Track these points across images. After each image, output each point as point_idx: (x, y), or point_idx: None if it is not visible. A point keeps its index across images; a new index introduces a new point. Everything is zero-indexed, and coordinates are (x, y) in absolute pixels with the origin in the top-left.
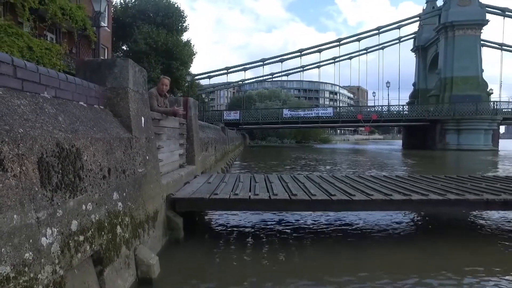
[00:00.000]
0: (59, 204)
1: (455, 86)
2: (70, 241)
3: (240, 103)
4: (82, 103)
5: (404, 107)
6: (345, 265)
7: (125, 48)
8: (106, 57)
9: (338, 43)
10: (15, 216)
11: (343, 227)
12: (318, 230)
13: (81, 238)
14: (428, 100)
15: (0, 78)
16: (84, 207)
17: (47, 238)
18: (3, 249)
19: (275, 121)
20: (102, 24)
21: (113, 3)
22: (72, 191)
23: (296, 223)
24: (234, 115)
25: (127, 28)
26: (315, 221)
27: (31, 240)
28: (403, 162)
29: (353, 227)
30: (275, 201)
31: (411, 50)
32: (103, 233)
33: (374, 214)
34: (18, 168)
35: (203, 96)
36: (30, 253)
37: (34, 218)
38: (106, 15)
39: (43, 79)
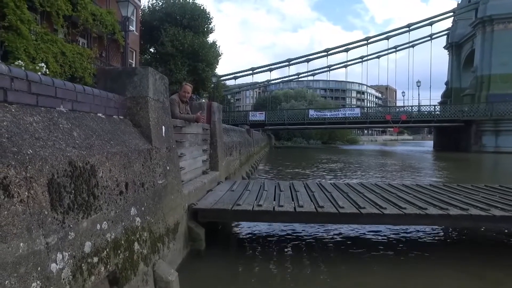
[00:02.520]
0: (71, 226)
1: (493, 85)
2: (82, 264)
3: (265, 103)
4: (100, 114)
5: (436, 107)
6: (380, 284)
7: (152, 51)
8: (134, 60)
9: (366, 42)
10: (21, 244)
11: (373, 238)
12: (347, 242)
13: (95, 259)
14: (462, 100)
15: (14, 95)
16: (98, 226)
17: (57, 264)
18: (7, 281)
19: (301, 121)
20: (130, 28)
21: (141, 7)
22: (85, 211)
23: (323, 234)
24: (259, 116)
25: (154, 31)
26: (343, 232)
27: (39, 268)
28: (435, 166)
29: (384, 239)
30: (301, 214)
31: (444, 47)
32: (119, 251)
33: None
34: (26, 193)
35: (229, 97)
36: (38, 282)
37: (43, 244)
38: (134, 19)
39: (59, 93)
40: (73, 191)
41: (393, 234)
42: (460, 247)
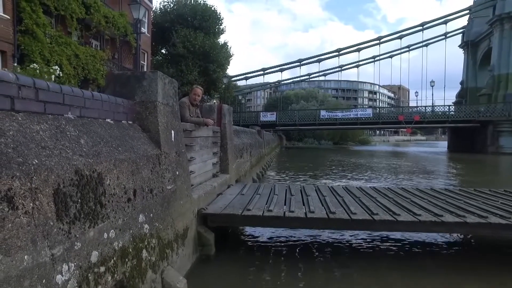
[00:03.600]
0: (77, 236)
1: (511, 84)
2: (89, 275)
3: (276, 103)
4: (109, 120)
5: (450, 107)
6: None
7: (164, 52)
8: (146, 61)
9: (378, 41)
10: (26, 257)
11: (387, 244)
12: (360, 249)
13: (102, 269)
14: (478, 100)
15: (21, 103)
16: (105, 235)
17: (62, 275)
18: None
19: (312, 122)
20: (142, 29)
21: (153, 9)
22: (92, 220)
23: (335, 238)
24: (270, 116)
25: (166, 32)
26: (356, 236)
27: (44, 280)
28: (450, 169)
29: (399, 245)
30: (312, 220)
31: (459, 46)
32: (127, 260)
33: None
34: (31, 204)
35: (240, 97)
36: None
37: (48, 255)
38: (146, 21)
39: (67, 99)
40: (79, 200)
41: (407, 238)
42: (478, 254)
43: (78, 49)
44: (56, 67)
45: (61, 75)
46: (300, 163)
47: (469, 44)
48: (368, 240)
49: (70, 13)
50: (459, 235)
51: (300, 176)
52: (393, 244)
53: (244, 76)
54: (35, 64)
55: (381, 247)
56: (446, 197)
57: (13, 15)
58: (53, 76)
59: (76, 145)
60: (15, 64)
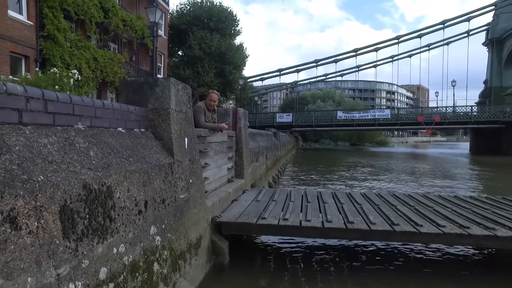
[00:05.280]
0: (84, 253)
1: None
2: None
3: (292, 104)
4: (120, 129)
5: (473, 107)
6: None
7: (180, 54)
8: (162, 64)
9: (397, 41)
10: (29, 279)
11: (407, 252)
12: (379, 256)
13: (111, 286)
14: (503, 100)
15: (29, 115)
16: (115, 250)
17: None
18: None
19: (328, 123)
20: (159, 32)
21: (170, 11)
22: (101, 235)
23: (353, 247)
24: (286, 118)
25: (182, 34)
26: (375, 245)
27: None
28: (473, 172)
29: (420, 254)
30: (329, 230)
31: (483, 43)
32: (137, 274)
33: None
34: (35, 223)
35: (256, 98)
36: None
37: (54, 276)
38: (163, 23)
39: (76, 110)
40: (87, 215)
41: (428, 248)
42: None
43: (97, 52)
44: (75, 71)
45: (79, 78)
46: (317, 164)
47: (494, 42)
48: (387, 249)
49: (89, 17)
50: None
51: (316, 179)
52: (414, 251)
53: (260, 77)
54: (55, 69)
55: (401, 256)
56: (472, 206)
57: (36, 21)
58: (72, 80)
59: (85, 158)
60: (37, 69)
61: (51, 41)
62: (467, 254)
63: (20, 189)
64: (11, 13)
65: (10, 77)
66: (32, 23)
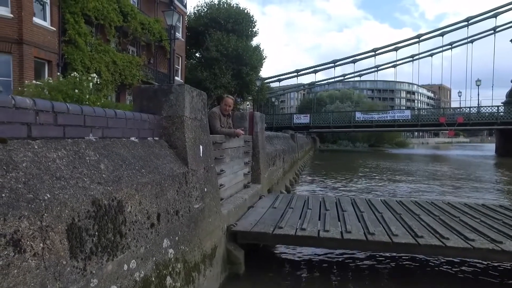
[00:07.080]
0: (93, 272)
1: None
2: None
3: (310, 105)
4: (133, 138)
5: (500, 107)
6: None
7: (198, 55)
8: (180, 66)
9: (417, 39)
10: None
11: (431, 264)
12: (401, 269)
13: None
14: None
15: (38, 129)
16: (126, 267)
17: None
18: None
19: (346, 124)
20: (177, 34)
21: (187, 14)
22: (111, 252)
23: (374, 258)
24: (304, 119)
25: (199, 36)
26: (397, 257)
27: None
28: (501, 177)
29: (448, 267)
30: (348, 241)
31: (511, 40)
32: None
33: None
34: (41, 244)
35: (273, 99)
36: None
37: None
38: (180, 26)
39: (88, 121)
40: (96, 233)
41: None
42: None
43: (116, 55)
44: (94, 74)
45: (99, 82)
46: (335, 167)
47: None
48: (410, 259)
49: (109, 21)
50: None
51: (335, 183)
52: (440, 264)
53: (277, 78)
54: (75, 73)
55: (426, 267)
56: (503, 216)
57: (58, 27)
58: (91, 83)
59: (95, 171)
60: (59, 73)
61: (72, 46)
62: (499, 268)
63: (25, 210)
64: (36, 19)
65: (34, 81)
66: (55, 29)
